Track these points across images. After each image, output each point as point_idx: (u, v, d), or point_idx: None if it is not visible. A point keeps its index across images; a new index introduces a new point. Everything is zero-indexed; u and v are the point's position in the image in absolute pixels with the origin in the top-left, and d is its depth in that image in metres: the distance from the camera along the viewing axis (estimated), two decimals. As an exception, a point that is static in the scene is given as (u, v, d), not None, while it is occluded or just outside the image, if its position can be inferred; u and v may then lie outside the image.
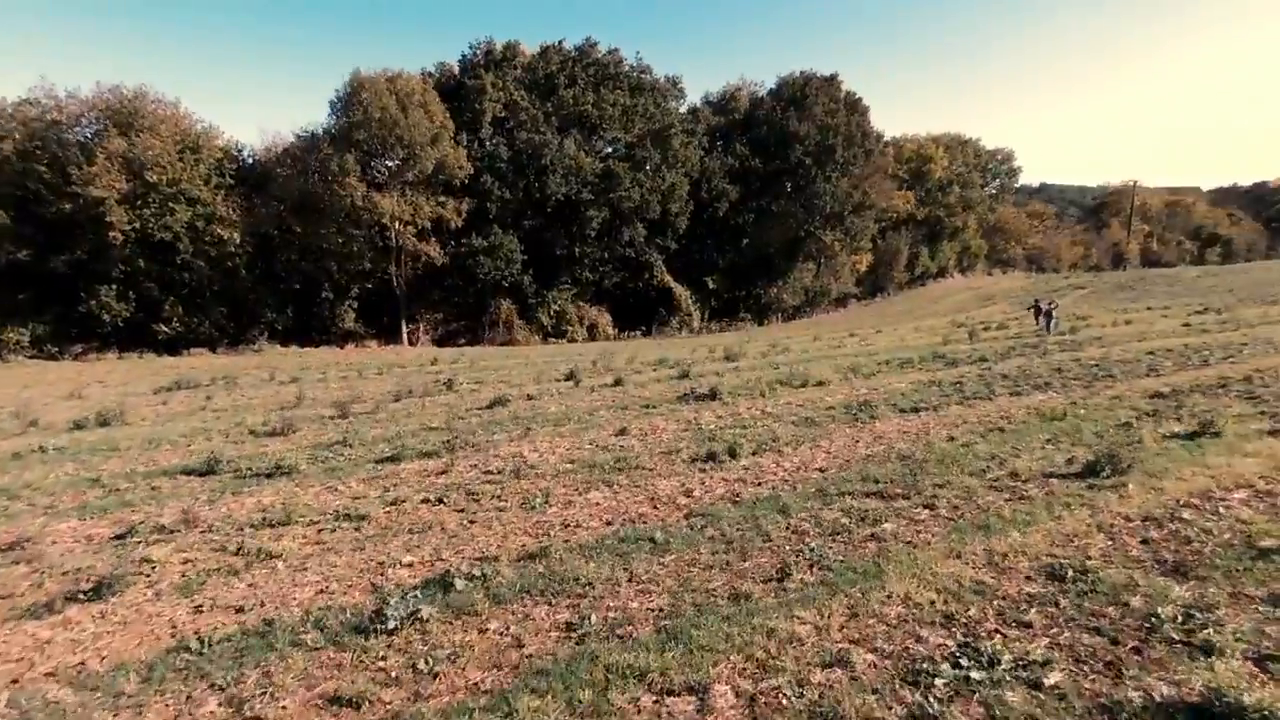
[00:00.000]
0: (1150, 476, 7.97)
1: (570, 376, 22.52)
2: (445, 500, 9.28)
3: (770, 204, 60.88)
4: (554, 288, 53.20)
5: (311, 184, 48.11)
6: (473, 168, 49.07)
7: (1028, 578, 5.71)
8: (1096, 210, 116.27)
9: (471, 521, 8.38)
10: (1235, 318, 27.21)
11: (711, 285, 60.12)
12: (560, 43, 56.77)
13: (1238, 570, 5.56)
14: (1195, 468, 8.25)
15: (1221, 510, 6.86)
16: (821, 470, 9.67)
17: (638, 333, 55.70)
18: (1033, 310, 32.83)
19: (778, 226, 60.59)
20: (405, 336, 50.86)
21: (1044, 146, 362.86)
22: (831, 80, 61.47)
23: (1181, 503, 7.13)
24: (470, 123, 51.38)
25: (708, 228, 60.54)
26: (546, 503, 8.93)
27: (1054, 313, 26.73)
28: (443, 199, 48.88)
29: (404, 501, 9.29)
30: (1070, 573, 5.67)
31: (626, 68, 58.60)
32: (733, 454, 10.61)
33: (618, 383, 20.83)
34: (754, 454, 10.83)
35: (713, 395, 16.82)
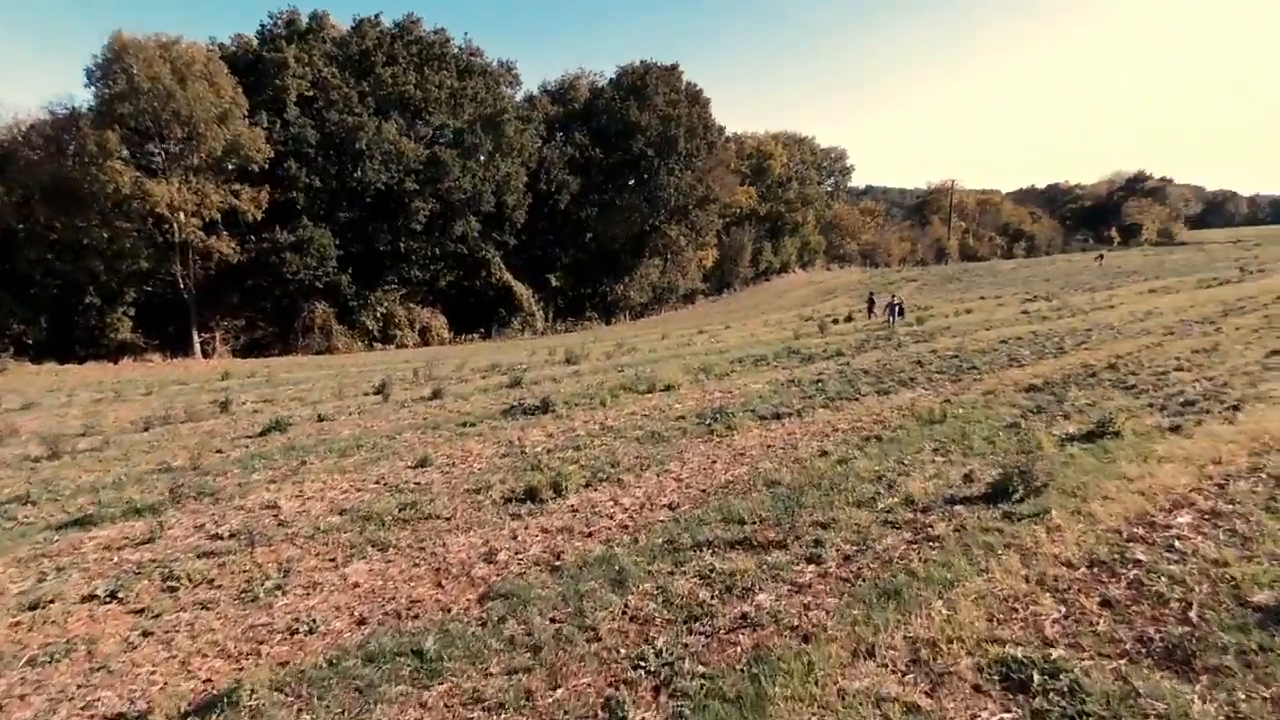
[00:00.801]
0: (1070, 496, 6.44)
1: (381, 390, 19.38)
2: (123, 594, 6.45)
3: (614, 197, 59.25)
4: (378, 288, 48.37)
5: (67, 168, 40.56)
6: (274, 152, 43.34)
7: (977, 689, 3.61)
8: (919, 208, 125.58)
9: (145, 635, 5.66)
10: (1066, 304, 28.39)
11: (555, 283, 57.52)
12: (377, 17, 51.93)
13: (1252, 651, 3.73)
14: (1115, 481, 6.80)
15: (1177, 544, 5.36)
16: (671, 508, 7.74)
17: (476, 335, 52.00)
18: (868, 303, 32.93)
19: (623, 220, 59.05)
20: (198, 348, 44.09)
21: (867, 151, 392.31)
22: (672, 70, 60.84)
23: (1125, 535, 5.60)
24: (272, 101, 45.47)
25: (549, 222, 57.91)
26: (279, 588, 6.35)
27: (900, 304, 26.52)
28: (237, 187, 42.77)
29: (54, 601, 6.38)
30: (1035, 676, 3.72)
31: (455, 49, 54.71)
32: (558, 489, 8.49)
33: (436, 395, 18.02)
34: (586, 486, 8.78)
35: (545, 407, 14.52)
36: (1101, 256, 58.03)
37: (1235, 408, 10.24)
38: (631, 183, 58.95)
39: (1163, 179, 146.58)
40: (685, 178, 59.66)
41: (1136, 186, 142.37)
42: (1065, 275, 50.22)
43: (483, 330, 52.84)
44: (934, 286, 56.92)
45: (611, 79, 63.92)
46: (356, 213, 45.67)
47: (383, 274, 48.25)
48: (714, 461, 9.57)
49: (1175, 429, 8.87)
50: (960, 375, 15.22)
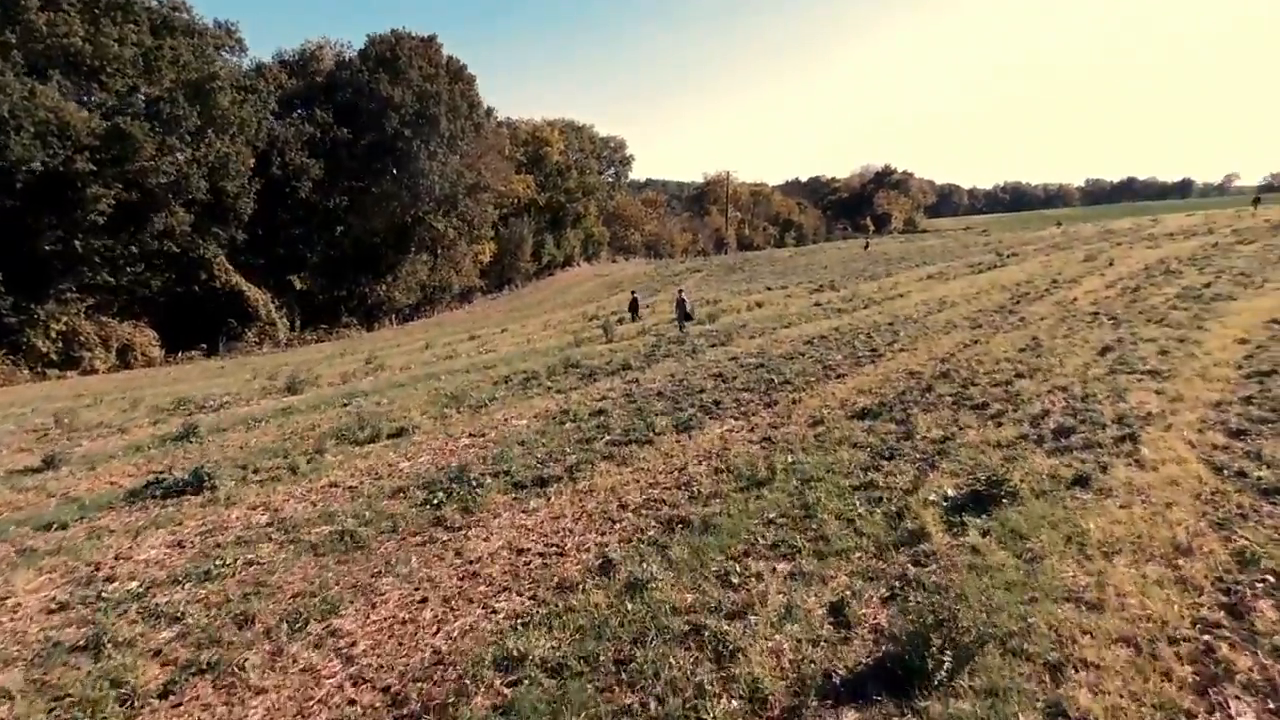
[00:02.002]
0: (1021, 664, 3.20)
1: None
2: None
3: (370, 184, 52.33)
4: (50, 298, 37.89)
5: None
6: None
7: None
8: (698, 199, 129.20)
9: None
10: (856, 294, 27.69)
11: (301, 285, 49.49)
12: (28, -52, 40.53)
13: None
14: (1059, 609, 4.29)
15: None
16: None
17: (198, 352, 42.87)
18: (631, 306, 30.19)
19: (381, 211, 52.35)
20: None
21: (648, 144, 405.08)
22: (429, 42, 54.90)
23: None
24: None
25: (291, 214, 49.71)
26: None
27: (687, 300, 23.95)
28: None
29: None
30: None
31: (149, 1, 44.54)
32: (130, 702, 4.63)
33: (49, 464, 12.52)
34: (189, 683, 5.06)
35: (199, 482, 10.10)
36: (869, 245, 61.42)
37: (1131, 438, 7.92)
38: (389, 167, 52.28)
39: (905, 173, 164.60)
40: (451, 163, 54.14)
41: (884, 180, 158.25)
42: (840, 263, 52.01)
43: (207, 345, 43.75)
44: (718, 277, 56.76)
45: (361, 50, 56.48)
46: (4, 201, 35.03)
47: (53, 281, 37.82)
48: (423, 600, 5.84)
49: (1081, 481, 7.07)
50: (773, 393, 12.54)
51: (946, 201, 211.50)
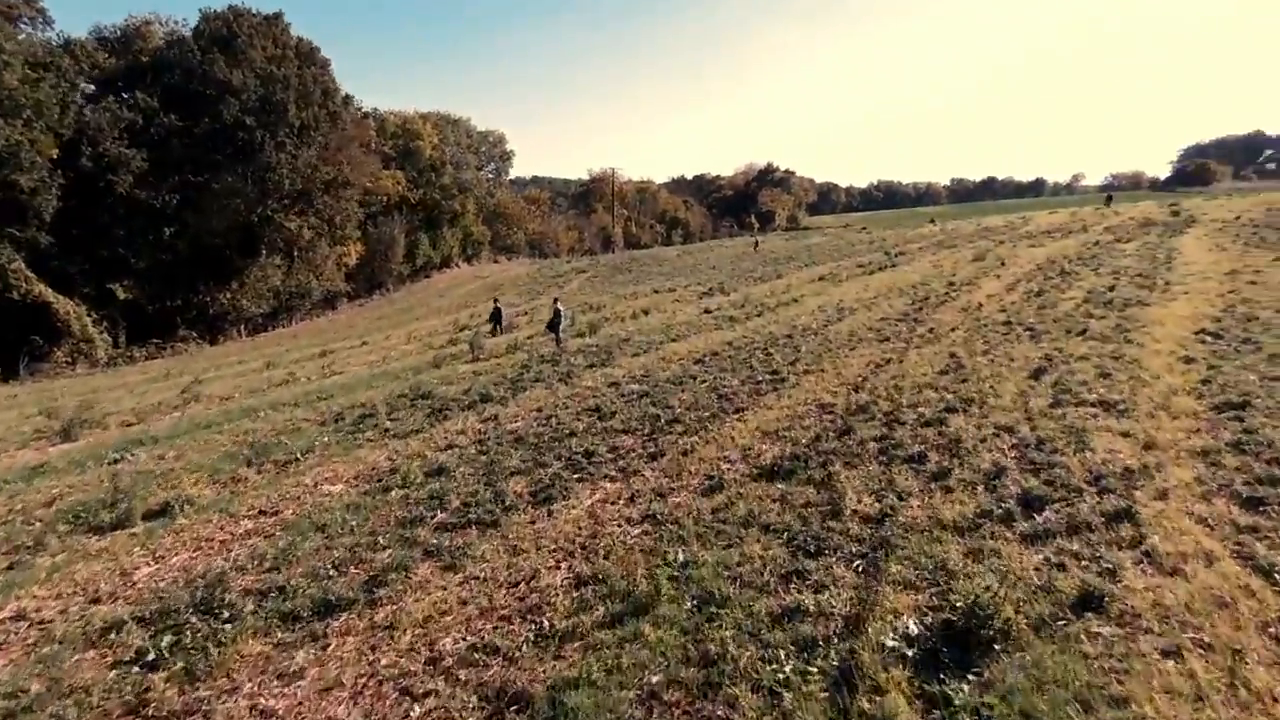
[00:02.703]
0: None
1: None
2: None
3: (209, 179, 46.46)
4: None
5: None
6: None
7: None
8: (583, 197, 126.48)
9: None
10: (748, 299, 25.91)
11: (126, 295, 43.21)
12: None
13: None
14: None
15: None
16: None
17: (-8, 377, 36.29)
18: (492, 317, 26.76)
19: (223, 209, 46.64)
20: None
21: (533, 141, 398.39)
22: (274, 21, 49.41)
23: None
24: None
25: (111, 213, 43.30)
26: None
27: (563, 312, 21.31)
28: None
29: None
30: None
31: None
32: None
33: None
34: None
35: None
36: (758, 243, 60.68)
37: (1128, 515, 5.99)
38: (230, 160, 46.49)
39: (787, 171, 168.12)
40: (304, 155, 48.93)
41: (767, 178, 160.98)
42: (729, 262, 50.79)
43: (3, 368, 37.13)
44: (604, 278, 54.46)
45: (195, 28, 50.20)
46: None
47: None
48: None
49: (1091, 601, 5.20)
50: (659, 437, 10.20)
51: (826, 199, 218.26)
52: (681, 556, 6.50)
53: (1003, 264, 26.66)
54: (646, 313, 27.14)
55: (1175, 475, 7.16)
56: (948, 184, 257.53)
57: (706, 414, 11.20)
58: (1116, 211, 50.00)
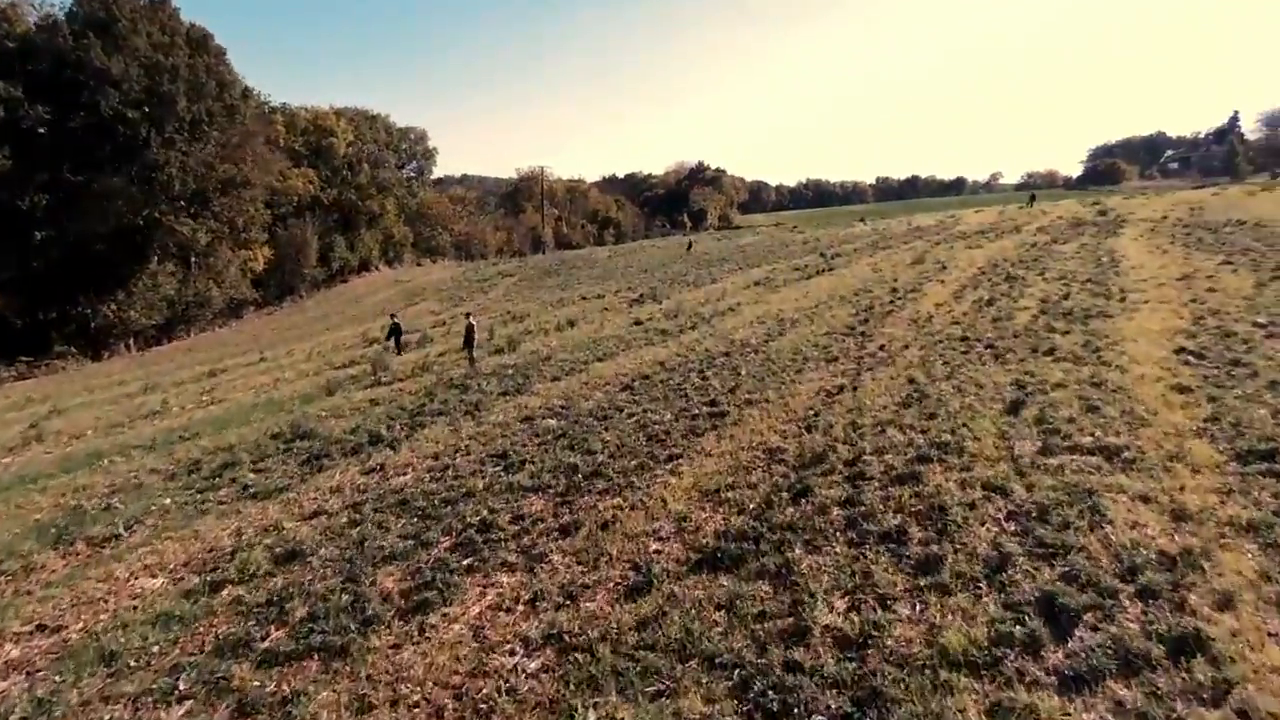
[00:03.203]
0: None
1: None
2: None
3: (86, 179, 41.99)
4: None
5: None
6: None
7: None
8: (512, 196, 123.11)
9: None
10: (681, 308, 24.11)
11: (-12, 308, 38.52)
12: None
13: None
14: None
15: None
16: None
17: None
18: (391, 331, 24.05)
19: (103, 212, 42.31)
20: None
21: (462, 139, 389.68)
22: (160, 5, 45.04)
23: None
24: None
25: (-32, 215, 38.49)
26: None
27: (476, 329, 19.14)
28: None
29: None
30: None
31: None
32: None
33: None
34: None
35: None
36: (691, 244, 59.06)
37: (1196, 641, 4.24)
38: (111, 157, 42.12)
39: (718, 170, 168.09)
40: (197, 152, 44.82)
41: (698, 176, 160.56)
42: (661, 264, 49.09)
43: None
44: (532, 282, 52.09)
45: (69, 11, 45.48)
46: None
47: None
48: None
49: None
50: (574, 498, 8.26)
51: (757, 198, 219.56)
52: (593, 718, 4.56)
53: (944, 267, 25.63)
54: (573, 324, 25.08)
55: (1229, 566, 5.57)
56: (873, 183, 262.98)
57: (633, 463, 9.28)
58: (1044, 210, 50.44)
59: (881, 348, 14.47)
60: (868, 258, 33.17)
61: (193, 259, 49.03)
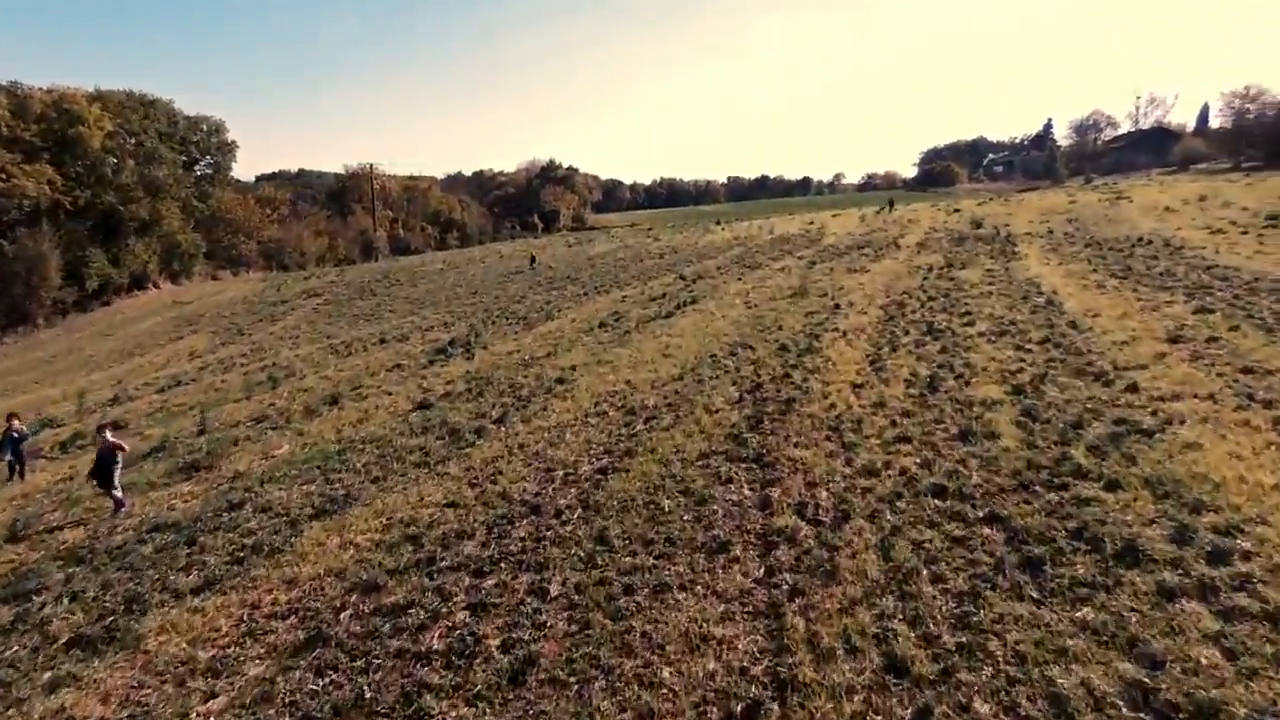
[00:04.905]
0: None
1: None
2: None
3: None
4: None
5: None
6: None
7: None
8: (339, 195, 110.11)
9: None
10: (494, 374, 17.04)
11: None
12: None
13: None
14: None
15: None
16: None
17: None
18: (4, 445, 13.90)
19: None
20: None
21: (288, 131, 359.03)
22: None
23: None
24: None
25: None
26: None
27: (117, 450, 11.15)
28: None
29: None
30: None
31: None
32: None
33: None
34: None
35: None
36: (534, 259, 51.35)
37: None
38: None
39: (570, 168, 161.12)
40: None
41: (550, 175, 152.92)
42: (497, 282, 41.43)
43: None
44: (340, 305, 42.94)
45: None
46: None
47: None
48: None
49: None
50: None
51: (611, 197, 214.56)
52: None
53: (837, 307, 19.93)
54: (336, 401, 17.20)
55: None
56: (725, 182, 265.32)
57: None
58: (912, 220, 47.19)
59: (805, 513, 8.03)
60: (736, 282, 27.26)
61: None
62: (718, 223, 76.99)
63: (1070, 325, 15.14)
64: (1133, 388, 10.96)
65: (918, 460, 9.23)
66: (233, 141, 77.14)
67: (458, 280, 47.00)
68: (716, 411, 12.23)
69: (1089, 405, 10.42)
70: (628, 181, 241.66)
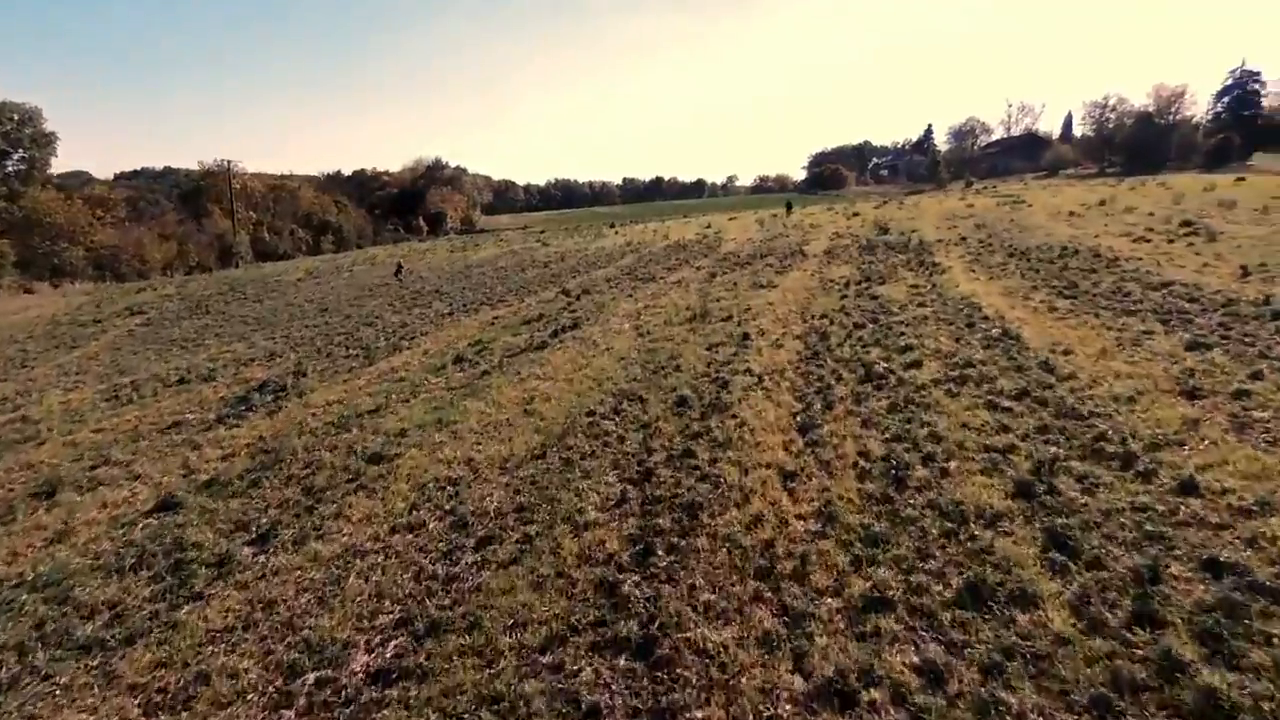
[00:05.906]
0: None
1: None
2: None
3: None
4: None
5: None
6: None
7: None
8: (194, 196, 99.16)
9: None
10: (300, 443, 11.75)
11: None
12: None
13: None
14: None
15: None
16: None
17: None
18: None
19: None
20: None
21: (141, 126, 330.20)
22: None
23: None
24: None
25: None
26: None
27: None
28: None
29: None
30: None
31: None
32: None
33: None
34: None
35: None
36: (400, 268, 45.51)
37: None
38: None
39: (458, 168, 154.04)
40: None
41: (437, 174, 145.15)
42: (354, 298, 35.66)
43: None
44: (158, 329, 35.90)
45: None
46: None
47: None
48: None
49: None
50: None
51: (503, 198, 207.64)
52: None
53: (745, 336, 16.08)
54: (52, 493, 11.85)
55: None
56: (620, 183, 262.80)
57: None
58: (814, 224, 44.60)
59: None
60: (626, 299, 23.15)
61: None
62: (612, 225, 73.27)
63: (1044, 368, 11.77)
64: (1188, 487, 7.41)
65: (915, 661, 5.32)
66: (51, 133, 67.29)
67: (312, 293, 40.91)
68: (586, 528, 7.99)
69: (1145, 526, 6.80)
70: (521, 182, 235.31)
